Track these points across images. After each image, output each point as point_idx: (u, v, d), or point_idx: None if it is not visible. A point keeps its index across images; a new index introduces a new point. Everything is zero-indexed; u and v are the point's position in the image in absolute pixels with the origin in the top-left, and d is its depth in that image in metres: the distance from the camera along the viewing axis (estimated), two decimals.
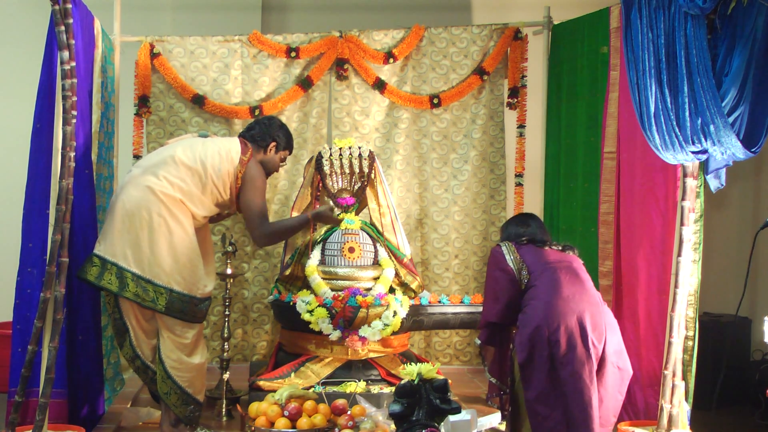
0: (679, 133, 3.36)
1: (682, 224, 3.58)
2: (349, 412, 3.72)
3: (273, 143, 3.99)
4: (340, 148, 4.59)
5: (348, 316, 4.08)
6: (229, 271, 4.16)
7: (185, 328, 3.57)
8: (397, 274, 4.48)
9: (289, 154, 4.18)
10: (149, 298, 3.47)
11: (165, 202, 3.53)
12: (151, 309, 3.50)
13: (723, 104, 3.21)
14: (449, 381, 3.13)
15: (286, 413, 3.64)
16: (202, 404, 3.68)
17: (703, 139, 3.31)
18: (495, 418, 3.74)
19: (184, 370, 3.58)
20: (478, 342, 3.67)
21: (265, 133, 3.98)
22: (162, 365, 3.56)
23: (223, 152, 3.74)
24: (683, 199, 3.59)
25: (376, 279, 4.37)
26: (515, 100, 5.23)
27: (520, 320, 3.38)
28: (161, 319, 3.55)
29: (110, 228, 3.53)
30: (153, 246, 3.49)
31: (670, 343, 3.58)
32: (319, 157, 4.60)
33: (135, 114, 5.10)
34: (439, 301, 4.47)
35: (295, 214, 4.59)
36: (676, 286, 3.59)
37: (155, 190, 3.53)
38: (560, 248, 3.62)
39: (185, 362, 3.58)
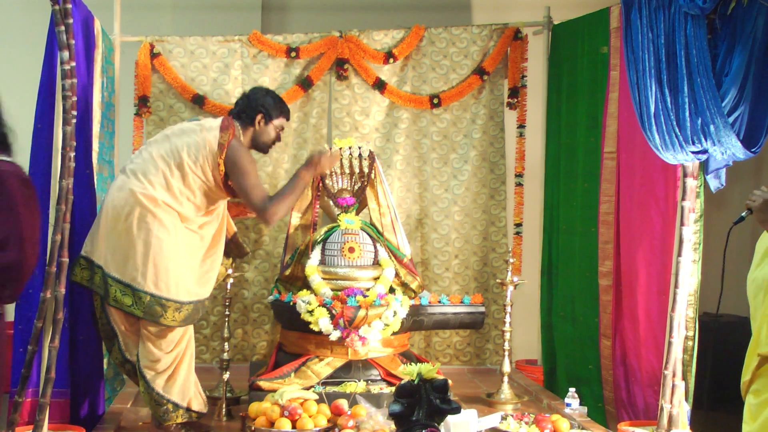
0: (679, 133, 3.36)
1: (682, 224, 3.58)
2: (349, 412, 3.72)
3: (260, 114, 3.71)
4: (340, 148, 4.58)
5: (348, 316, 4.07)
6: (229, 271, 4.16)
7: (166, 335, 3.51)
8: (397, 274, 4.47)
9: (287, 120, 3.87)
10: (128, 303, 3.44)
11: (147, 205, 3.47)
12: (132, 314, 3.47)
13: (723, 104, 3.21)
14: (449, 381, 3.12)
15: (286, 413, 3.64)
16: (180, 406, 3.58)
17: (703, 139, 3.31)
18: (495, 419, 3.73)
19: (159, 372, 3.51)
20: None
21: (248, 106, 3.73)
22: (139, 363, 3.52)
23: (200, 138, 3.58)
24: (683, 199, 3.59)
25: (376, 279, 4.37)
26: (515, 100, 5.23)
27: None
28: (143, 324, 3.51)
29: (96, 230, 3.53)
30: (130, 249, 3.45)
31: (670, 343, 3.58)
32: None
33: (135, 114, 5.10)
34: (439, 301, 4.47)
35: (295, 213, 4.59)
36: (676, 286, 3.59)
37: (136, 193, 3.48)
38: None
39: (162, 368, 3.51)
